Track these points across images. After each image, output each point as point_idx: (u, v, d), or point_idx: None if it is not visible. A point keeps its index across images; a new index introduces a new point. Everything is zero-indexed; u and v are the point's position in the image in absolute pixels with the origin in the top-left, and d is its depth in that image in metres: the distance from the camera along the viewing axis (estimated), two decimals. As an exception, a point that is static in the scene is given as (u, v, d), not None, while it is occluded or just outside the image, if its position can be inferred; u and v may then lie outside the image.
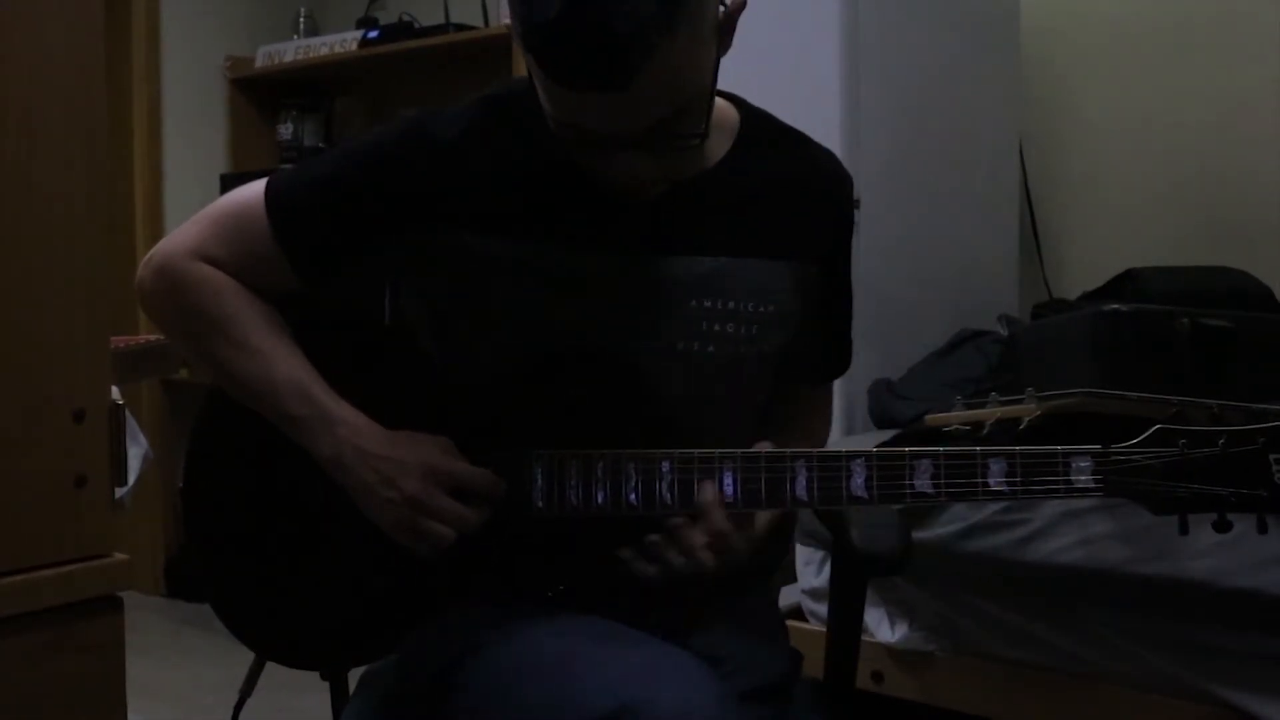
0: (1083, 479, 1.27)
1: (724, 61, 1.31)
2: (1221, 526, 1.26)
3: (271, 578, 1.43)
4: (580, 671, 1.24)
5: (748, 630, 1.45)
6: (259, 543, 1.43)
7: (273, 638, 1.46)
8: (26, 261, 1.21)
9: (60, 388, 1.23)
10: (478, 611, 1.37)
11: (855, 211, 1.56)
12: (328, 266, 1.41)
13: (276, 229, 1.38)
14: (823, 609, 2.33)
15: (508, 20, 4.01)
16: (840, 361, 1.59)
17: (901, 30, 2.82)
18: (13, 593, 1.19)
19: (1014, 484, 1.28)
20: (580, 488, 1.34)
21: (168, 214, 4.36)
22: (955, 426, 2.24)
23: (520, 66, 3.54)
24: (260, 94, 4.59)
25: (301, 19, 4.58)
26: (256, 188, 1.41)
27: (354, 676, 1.55)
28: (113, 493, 1.28)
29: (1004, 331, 2.68)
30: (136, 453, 1.91)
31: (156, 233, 4.21)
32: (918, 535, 2.13)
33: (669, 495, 1.32)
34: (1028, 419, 2.11)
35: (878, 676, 2.37)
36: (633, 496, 1.32)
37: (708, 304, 1.40)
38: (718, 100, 1.36)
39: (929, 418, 2.31)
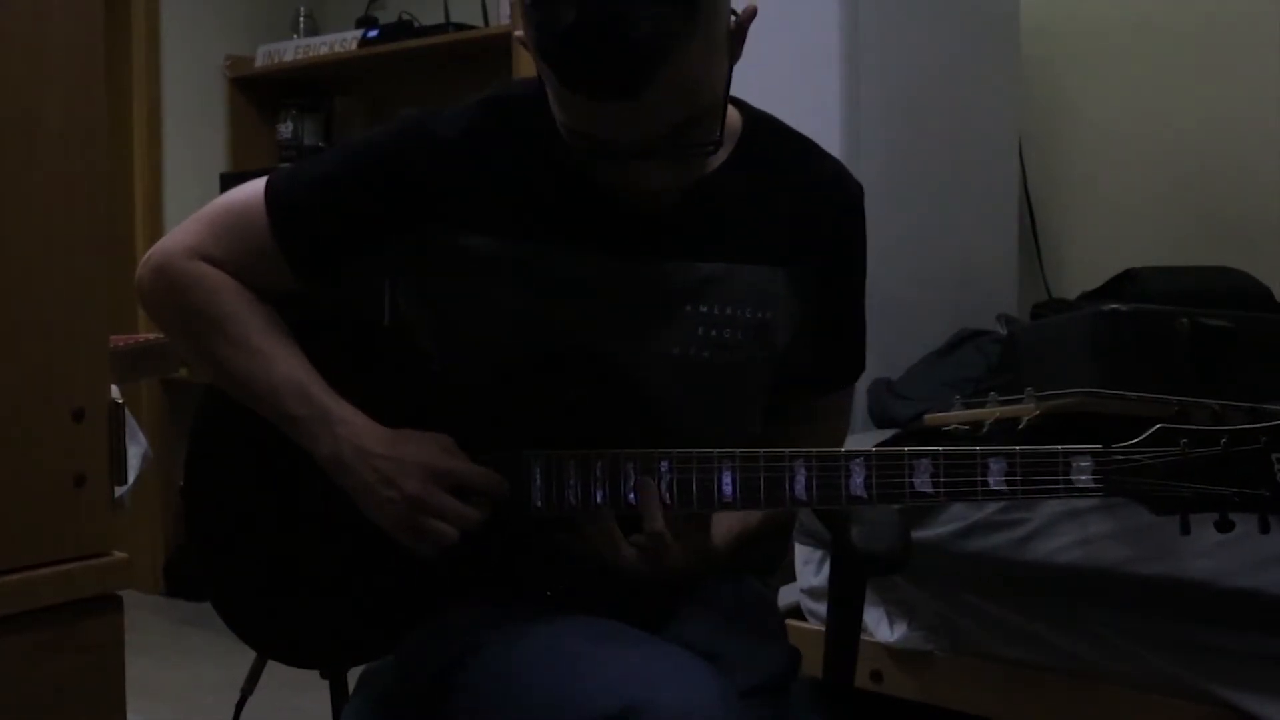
0: (1083, 479, 1.27)
1: (723, 61, 1.31)
2: (1223, 526, 1.25)
3: (272, 576, 1.43)
4: (582, 671, 1.24)
5: (747, 628, 1.45)
6: (259, 541, 1.43)
7: (273, 636, 1.46)
8: (26, 261, 1.21)
9: (60, 387, 1.23)
10: (477, 611, 1.37)
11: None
12: (326, 265, 1.41)
13: (276, 227, 1.38)
14: (821, 608, 2.33)
15: (508, 20, 4.03)
16: (846, 371, 1.57)
17: (901, 30, 2.82)
18: (12, 592, 1.19)
19: (1014, 483, 1.27)
20: (579, 487, 1.34)
21: (167, 213, 4.37)
22: (954, 426, 2.24)
23: (520, 67, 3.55)
24: (260, 93, 4.59)
25: (301, 18, 4.58)
26: (256, 186, 1.41)
27: (354, 676, 1.55)
28: (112, 492, 1.28)
29: (1003, 331, 2.68)
30: (136, 452, 1.91)
31: (156, 232, 4.21)
32: (917, 534, 2.13)
33: (668, 495, 1.32)
34: (1027, 419, 2.11)
35: (877, 676, 2.37)
36: (631, 496, 1.32)
37: (705, 309, 1.40)
38: None
39: (928, 417, 2.31)
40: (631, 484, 1.32)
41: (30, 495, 1.21)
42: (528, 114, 1.37)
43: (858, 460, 1.30)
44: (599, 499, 1.33)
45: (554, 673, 1.26)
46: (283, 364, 1.37)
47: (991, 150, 3.11)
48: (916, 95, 2.86)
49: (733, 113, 1.43)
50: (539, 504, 1.35)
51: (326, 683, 1.57)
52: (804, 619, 2.44)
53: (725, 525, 1.46)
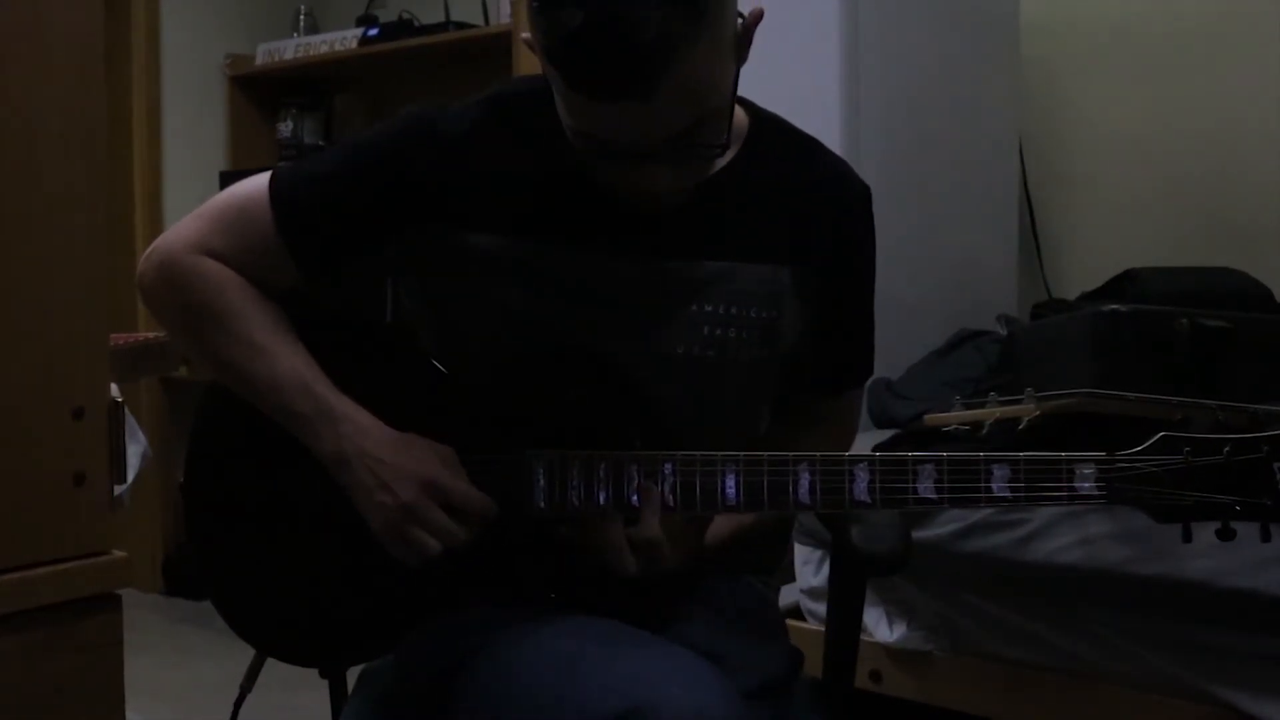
0: (1086, 486, 1.27)
1: (723, 61, 1.31)
2: (1225, 534, 1.26)
3: (272, 574, 1.43)
4: (586, 672, 1.24)
5: (748, 629, 1.45)
6: (259, 539, 1.43)
7: (272, 634, 1.46)
8: (26, 259, 1.21)
9: (60, 385, 1.23)
10: (479, 611, 1.37)
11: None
12: (330, 261, 1.41)
13: (280, 223, 1.38)
14: (821, 608, 2.33)
15: (508, 19, 4.03)
16: (853, 372, 1.57)
17: (901, 30, 2.82)
18: (11, 590, 1.19)
19: (1017, 490, 1.27)
20: (582, 488, 1.33)
21: (167, 212, 4.37)
22: (954, 426, 2.24)
23: (520, 65, 3.55)
24: (260, 92, 4.59)
25: (301, 17, 4.58)
26: (259, 181, 1.41)
27: (353, 675, 1.55)
28: (111, 490, 1.28)
29: (1003, 331, 2.68)
30: (135, 450, 1.90)
31: (156, 230, 4.20)
32: (917, 534, 2.13)
33: (671, 497, 1.32)
34: (1027, 419, 2.11)
35: (876, 676, 2.37)
36: (634, 497, 1.32)
37: (709, 308, 1.40)
38: None
39: (928, 418, 2.31)
40: (635, 485, 1.32)
41: (30, 494, 1.21)
42: (532, 112, 1.37)
43: (862, 465, 1.30)
44: (602, 500, 1.33)
45: (558, 673, 1.25)
46: (286, 360, 1.36)
47: (991, 150, 3.11)
48: (916, 95, 2.86)
49: (739, 112, 1.43)
50: (541, 504, 1.34)
51: (326, 682, 1.57)
52: (803, 619, 2.44)
53: (719, 524, 1.46)
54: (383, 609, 1.41)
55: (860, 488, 1.30)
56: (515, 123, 1.39)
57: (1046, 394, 2.12)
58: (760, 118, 1.46)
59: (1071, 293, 3.04)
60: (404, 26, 4.12)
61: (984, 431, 2.18)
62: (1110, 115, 3.24)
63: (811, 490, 1.30)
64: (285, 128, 4.57)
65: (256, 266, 1.39)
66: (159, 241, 1.42)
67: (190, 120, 4.47)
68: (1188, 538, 1.27)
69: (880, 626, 2.37)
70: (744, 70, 1.33)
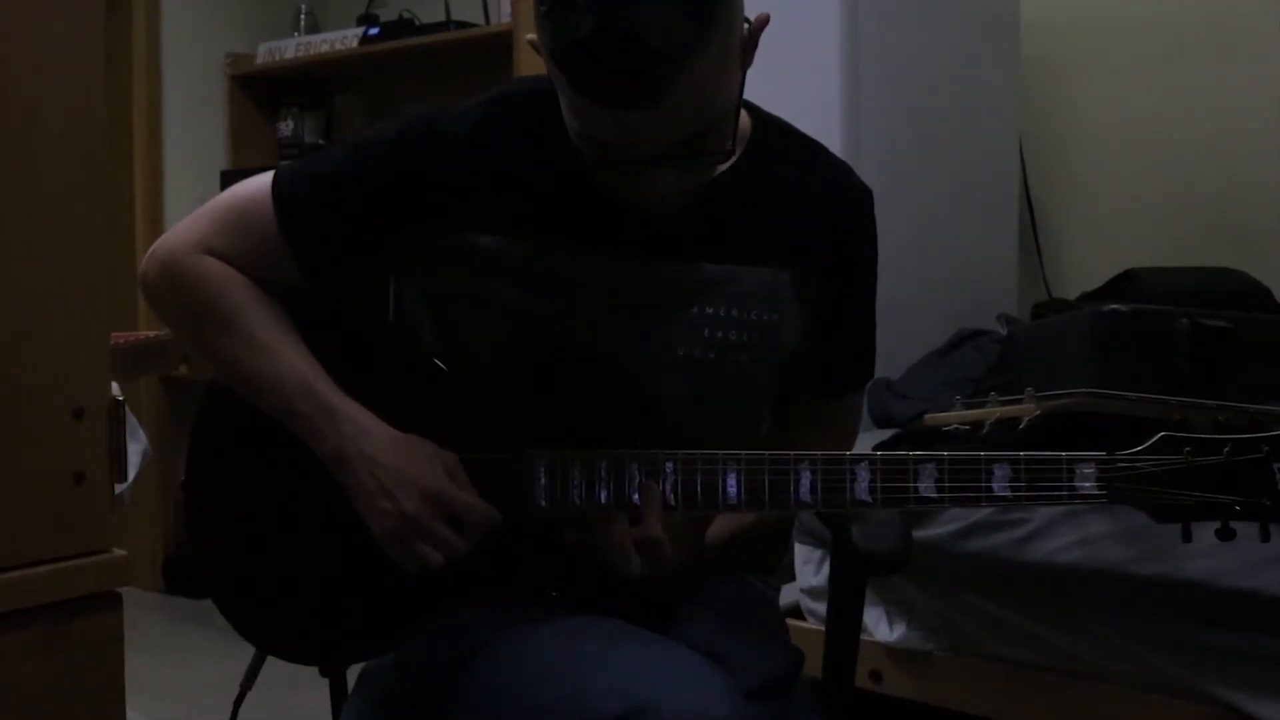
0: (1087, 486, 1.27)
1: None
2: (1225, 534, 1.26)
3: (272, 573, 1.43)
4: (589, 671, 1.24)
5: (749, 629, 1.45)
6: (260, 537, 1.43)
7: (273, 633, 1.46)
8: (26, 258, 1.21)
9: (60, 384, 1.23)
10: (481, 610, 1.37)
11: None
12: (332, 261, 1.41)
13: (282, 223, 1.38)
14: (821, 608, 2.33)
15: (509, 18, 4.03)
16: (854, 375, 1.58)
17: (902, 30, 2.82)
18: (11, 589, 1.19)
19: (1018, 489, 1.28)
20: (583, 487, 1.34)
21: (168, 211, 4.37)
22: (955, 426, 2.24)
23: (521, 65, 3.55)
24: (260, 91, 4.59)
25: (302, 16, 4.58)
26: (262, 181, 1.41)
27: (354, 674, 1.55)
28: (112, 489, 1.28)
29: (1003, 331, 2.68)
30: (136, 449, 1.90)
31: (156, 230, 4.21)
32: (917, 534, 2.13)
33: (672, 496, 1.32)
34: (1027, 419, 2.11)
35: (876, 676, 2.37)
36: (635, 496, 1.32)
37: (710, 310, 1.40)
38: None
39: (928, 417, 2.31)
40: (636, 484, 1.32)
41: (30, 492, 1.21)
42: (535, 113, 1.37)
43: (863, 464, 1.30)
44: (603, 499, 1.33)
45: (560, 673, 1.25)
46: (288, 360, 1.36)
47: (992, 150, 3.11)
48: (917, 95, 2.86)
49: (743, 116, 1.43)
50: (543, 503, 1.34)
51: (326, 681, 1.57)
52: (803, 618, 2.43)
53: (720, 524, 1.46)
54: (383, 608, 1.41)
55: (861, 487, 1.30)
56: (518, 123, 1.39)
57: (1047, 394, 2.12)
58: (763, 120, 1.47)
59: (1072, 292, 3.04)
60: (404, 26, 4.12)
61: (984, 431, 2.18)
62: (1110, 115, 3.24)
63: (813, 489, 1.31)
64: (286, 127, 4.57)
65: (258, 266, 1.39)
66: (161, 240, 1.43)
67: (191, 120, 4.47)
68: (1188, 537, 1.27)
69: (880, 626, 2.37)
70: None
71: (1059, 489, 1.27)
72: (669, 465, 1.32)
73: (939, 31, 2.92)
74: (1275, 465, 1.24)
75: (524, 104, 1.40)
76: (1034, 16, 3.23)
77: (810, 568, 2.44)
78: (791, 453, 1.31)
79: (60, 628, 1.23)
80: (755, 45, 1.31)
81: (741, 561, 1.54)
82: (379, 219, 1.39)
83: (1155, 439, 1.27)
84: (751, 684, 1.35)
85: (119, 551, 1.27)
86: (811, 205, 1.45)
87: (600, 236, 1.38)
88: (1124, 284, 2.61)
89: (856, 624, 1.58)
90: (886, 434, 2.42)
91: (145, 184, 4.35)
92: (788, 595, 2.45)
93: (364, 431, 1.34)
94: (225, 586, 1.45)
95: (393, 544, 1.33)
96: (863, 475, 1.30)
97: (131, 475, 1.57)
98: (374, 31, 4.13)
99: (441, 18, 4.07)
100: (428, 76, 4.28)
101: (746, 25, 1.29)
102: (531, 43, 1.28)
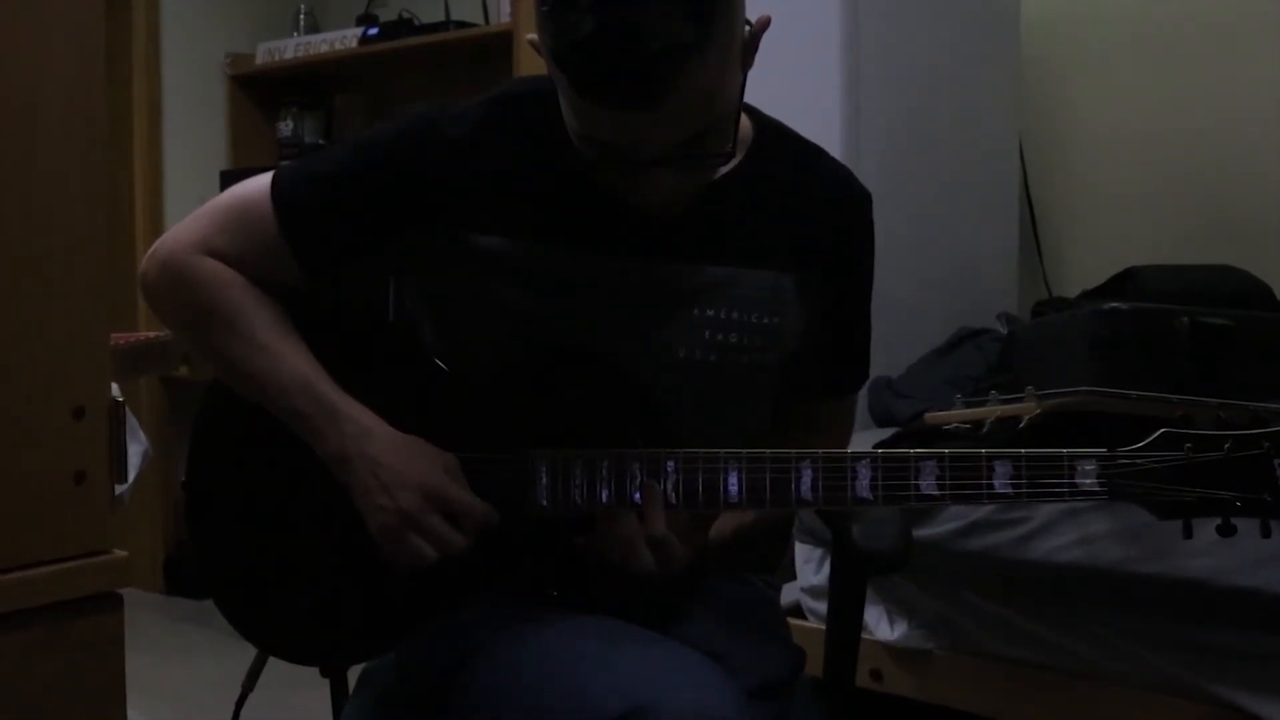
0: (1087, 482, 1.27)
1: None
2: (1226, 530, 1.26)
3: (273, 573, 1.43)
4: (591, 671, 1.24)
5: (751, 628, 1.45)
6: (261, 538, 1.43)
7: (274, 633, 1.46)
8: (26, 258, 1.21)
9: (60, 384, 1.23)
10: (480, 610, 1.37)
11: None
12: (332, 261, 1.41)
13: (282, 223, 1.38)
14: (822, 607, 2.33)
15: (508, 18, 4.03)
16: (850, 379, 1.58)
17: (902, 30, 2.81)
18: (11, 589, 1.19)
19: (1019, 486, 1.28)
20: (585, 486, 1.34)
21: (168, 211, 4.37)
22: (955, 425, 2.24)
23: (520, 65, 3.55)
24: (260, 91, 4.59)
25: (302, 16, 4.58)
26: (262, 181, 1.41)
27: (354, 674, 1.55)
28: (112, 490, 1.28)
29: (1004, 330, 2.68)
30: (136, 450, 1.91)
31: (156, 230, 4.21)
32: (917, 533, 2.13)
33: (673, 495, 1.32)
34: (1028, 417, 2.11)
35: (876, 674, 2.37)
36: (637, 495, 1.32)
37: (711, 313, 1.40)
38: None
39: (929, 416, 2.31)
40: (638, 484, 1.32)
41: (30, 493, 1.21)
42: (535, 113, 1.37)
43: (863, 462, 1.30)
44: (604, 498, 1.33)
45: (560, 673, 1.25)
46: (289, 360, 1.36)
47: (992, 149, 3.11)
48: (917, 95, 2.86)
49: (744, 119, 1.43)
50: (544, 503, 1.34)
51: (327, 681, 1.57)
52: (804, 617, 2.43)
53: (722, 522, 1.46)
54: (384, 608, 1.41)
55: (862, 484, 1.30)
56: (518, 123, 1.39)
57: (1047, 392, 2.12)
58: (763, 124, 1.47)
59: (1072, 291, 3.04)
60: (404, 26, 4.12)
61: (985, 430, 2.18)
62: (1111, 114, 3.24)
63: (814, 487, 1.31)
64: (285, 127, 4.57)
65: (258, 266, 1.39)
66: (162, 241, 1.43)
67: (191, 119, 4.47)
68: (1188, 534, 1.27)
69: (881, 625, 2.37)
70: (745, 71, 1.34)
71: (1060, 486, 1.27)
72: (670, 464, 1.32)
73: (939, 31, 2.92)
74: (1276, 461, 1.24)
75: (524, 104, 1.40)
76: (1034, 16, 3.23)
77: (811, 567, 2.44)
78: (793, 450, 1.32)
79: (61, 628, 1.23)
80: (756, 47, 1.31)
81: (742, 561, 1.54)
82: (379, 219, 1.39)
83: (1156, 435, 1.27)
84: (752, 684, 1.35)
85: (119, 552, 1.27)
86: (812, 208, 1.45)
87: (600, 237, 1.38)
88: (1124, 282, 2.61)
89: (857, 623, 1.58)
90: (887, 433, 2.42)
91: (145, 184, 4.35)
92: (788, 594, 2.45)
93: (366, 432, 1.34)
94: (226, 587, 1.45)
95: (388, 542, 1.33)
96: (864, 473, 1.30)
97: (132, 476, 1.57)
98: (374, 31, 4.13)
99: (441, 18, 4.06)
100: (428, 76, 4.27)
101: (748, 27, 1.29)
102: (532, 43, 1.28)
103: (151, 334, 2.24)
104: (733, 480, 1.31)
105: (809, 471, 1.31)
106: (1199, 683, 2.04)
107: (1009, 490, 1.28)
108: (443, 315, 1.44)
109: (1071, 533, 2.11)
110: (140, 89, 4.33)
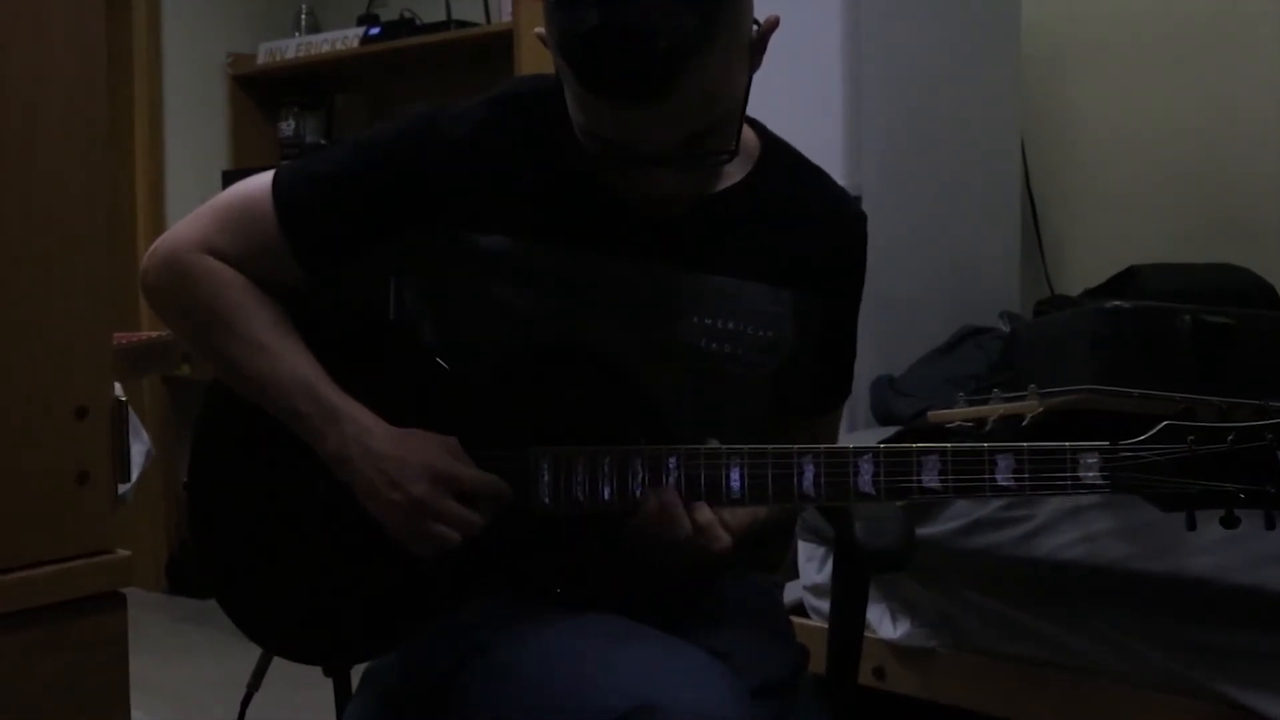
0: (1090, 475, 1.27)
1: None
2: (1229, 522, 1.25)
3: (275, 572, 1.43)
4: (594, 670, 1.24)
5: (754, 627, 1.45)
6: (263, 537, 1.43)
7: (276, 632, 1.46)
8: (29, 259, 1.21)
9: (63, 385, 1.23)
10: (485, 609, 1.37)
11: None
12: (333, 260, 1.41)
13: (283, 223, 1.38)
14: (824, 605, 2.33)
15: (509, 17, 4.02)
16: (838, 394, 1.59)
17: (902, 30, 2.81)
18: (14, 589, 1.19)
19: (1021, 480, 1.28)
20: (587, 484, 1.34)
21: (169, 211, 4.37)
22: (958, 423, 2.24)
23: (521, 64, 3.55)
24: (261, 91, 4.59)
25: (303, 16, 4.57)
26: (263, 180, 1.41)
27: (357, 673, 1.55)
28: (115, 489, 1.28)
29: (1006, 328, 2.68)
30: (139, 449, 1.90)
31: (158, 229, 4.21)
32: (920, 531, 2.13)
33: (676, 490, 1.32)
34: (1030, 416, 2.11)
35: (879, 672, 2.37)
36: (639, 492, 1.32)
37: (709, 322, 1.40)
38: None
39: (931, 414, 2.31)
40: (639, 480, 1.32)
41: (34, 493, 1.21)
42: (536, 112, 1.37)
43: (865, 456, 1.30)
44: (606, 495, 1.33)
45: (563, 671, 1.25)
46: (289, 360, 1.36)
47: (993, 148, 3.11)
48: (918, 94, 2.86)
49: (751, 135, 1.44)
50: (546, 501, 1.35)
51: (329, 680, 1.57)
52: (807, 616, 2.44)
53: (737, 519, 1.46)
54: (386, 607, 1.41)
55: (865, 479, 1.30)
56: (520, 122, 1.39)
57: (1050, 391, 2.12)
58: (770, 141, 1.48)
59: (1074, 289, 3.04)
60: (405, 25, 4.12)
61: (987, 428, 2.18)
62: (1112, 112, 3.24)
63: (816, 482, 1.31)
64: (287, 127, 4.57)
65: (259, 265, 1.39)
66: (162, 240, 1.42)
67: (192, 119, 4.47)
68: (1192, 526, 1.27)
69: (883, 623, 2.37)
70: (746, 70, 1.33)
71: (1062, 479, 1.27)
72: (672, 461, 1.32)
73: (939, 31, 2.92)
74: (1279, 452, 1.24)
75: (525, 103, 1.40)
76: (1034, 16, 3.23)
77: (813, 565, 2.44)
78: (794, 446, 1.32)
79: (63, 628, 1.23)
80: (764, 48, 1.31)
81: (751, 559, 1.54)
82: (379, 218, 1.39)
83: (1158, 428, 1.27)
84: (755, 682, 1.35)
85: (122, 551, 1.27)
86: (810, 225, 1.46)
87: (601, 237, 1.38)
88: (1126, 281, 2.61)
89: (860, 621, 1.58)
90: (889, 431, 2.42)
91: (146, 184, 4.35)
92: (791, 593, 2.45)
93: (365, 431, 1.34)
94: (228, 586, 1.44)
95: (407, 532, 1.33)
96: (866, 467, 1.30)
97: (134, 475, 1.57)
98: (375, 31, 4.13)
99: (442, 17, 4.06)
100: (428, 76, 4.27)
101: (755, 27, 1.29)
102: (539, 36, 1.28)
103: (153, 334, 2.24)
104: (735, 476, 1.32)
105: (811, 466, 1.31)
106: (1200, 680, 2.04)
107: (1011, 483, 1.28)
108: (443, 314, 1.44)
109: (1073, 531, 2.11)
110: (141, 89, 4.33)
